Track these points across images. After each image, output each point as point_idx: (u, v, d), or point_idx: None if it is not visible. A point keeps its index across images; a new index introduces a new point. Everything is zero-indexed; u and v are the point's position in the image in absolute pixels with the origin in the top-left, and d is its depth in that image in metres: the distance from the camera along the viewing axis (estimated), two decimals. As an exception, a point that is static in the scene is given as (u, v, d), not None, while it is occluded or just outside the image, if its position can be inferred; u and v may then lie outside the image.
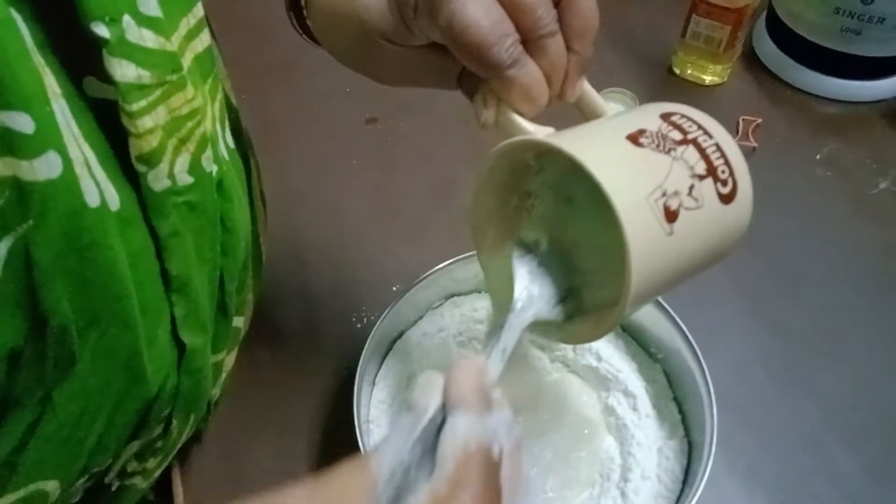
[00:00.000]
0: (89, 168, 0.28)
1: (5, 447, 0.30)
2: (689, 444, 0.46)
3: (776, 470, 0.48)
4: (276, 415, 0.51)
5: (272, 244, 0.59)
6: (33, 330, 0.28)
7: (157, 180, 0.31)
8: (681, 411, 0.47)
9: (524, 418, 0.47)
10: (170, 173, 0.32)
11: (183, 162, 0.32)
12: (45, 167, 0.26)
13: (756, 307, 0.56)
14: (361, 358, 0.45)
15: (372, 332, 0.46)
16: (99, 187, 0.28)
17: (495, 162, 0.34)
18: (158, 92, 0.30)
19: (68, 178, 0.27)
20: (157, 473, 0.42)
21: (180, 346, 0.36)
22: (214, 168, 0.35)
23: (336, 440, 0.49)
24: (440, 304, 0.52)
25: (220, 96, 0.37)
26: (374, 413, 0.47)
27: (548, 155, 0.35)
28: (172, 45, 0.31)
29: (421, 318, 0.51)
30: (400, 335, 0.50)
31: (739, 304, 0.56)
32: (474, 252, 0.48)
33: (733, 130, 0.68)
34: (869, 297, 0.57)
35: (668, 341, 0.48)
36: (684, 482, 0.44)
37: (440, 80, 0.37)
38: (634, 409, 0.47)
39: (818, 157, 0.67)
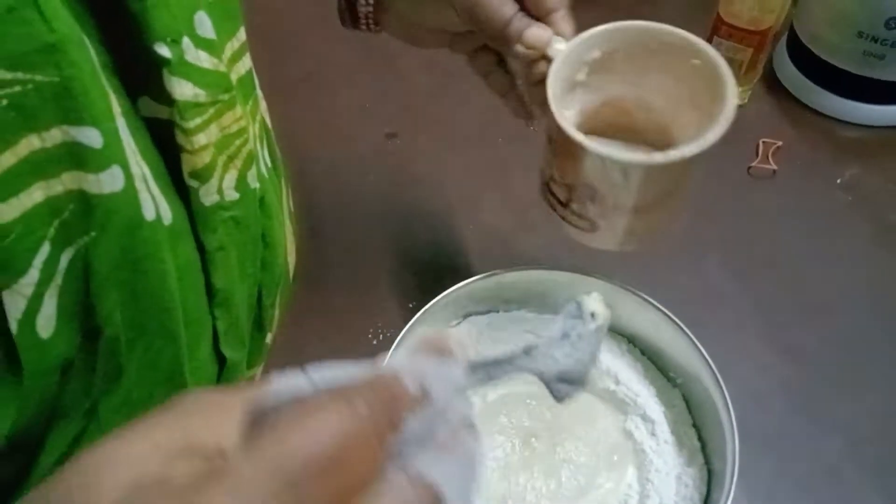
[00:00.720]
0: (146, 183, 0.29)
1: (50, 457, 0.30)
2: (709, 472, 0.45)
3: (796, 501, 0.47)
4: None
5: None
6: (85, 341, 0.29)
7: (208, 195, 0.32)
8: (700, 438, 0.47)
9: (547, 443, 0.47)
10: (219, 189, 0.33)
11: (231, 178, 0.33)
12: (109, 181, 0.27)
13: (776, 333, 0.56)
14: None
15: (390, 351, 0.46)
16: (154, 202, 0.30)
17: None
18: (212, 110, 0.31)
19: (129, 192, 0.28)
20: None
21: (220, 360, 0.36)
22: (257, 185, 0.36)
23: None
24: (457, 323, 0.52)
25: (259, 116, 0.38)
26: (389, 433, 0.46)
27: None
28: (223, 65, 0.32)
29: None
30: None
31: (759, 329, 0.56)
32: (492, 272, 0.48)
33: (754, 153, 0.67)
34: (890, 324, 0.56)
35: (687, 366, 0.47)
36: None
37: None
38: (653, 434, 0.47)
39: (839, 181, 0.66)
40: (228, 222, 0.34)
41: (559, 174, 0.40)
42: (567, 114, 0.39)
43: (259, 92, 0.40)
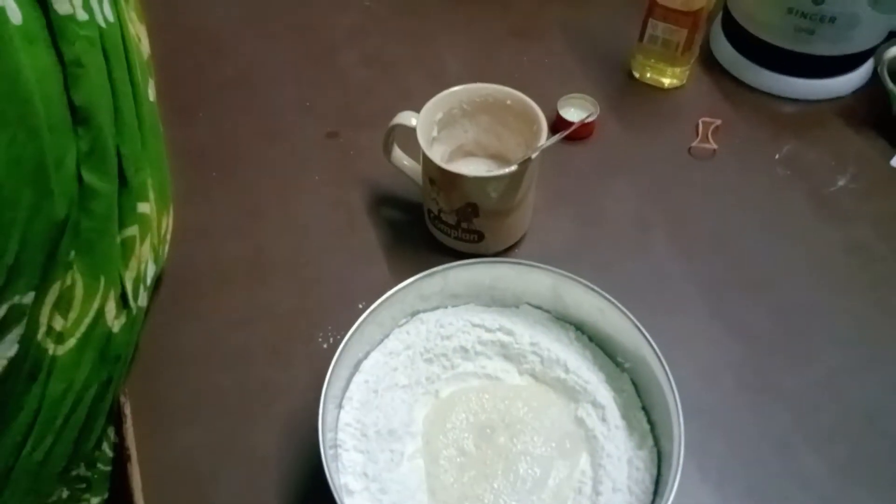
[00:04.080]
0: None
1: None
2: (659, 454, 0.45)
3: (747, 475, 0.48)
4: (242, 443, 0.50)
5: (234, 262, 0.58)
6: None
7: (60, 3, 0.35)
8: (649, 420, 0.47)
9: (503, 435, 0.47)
10: (83, 4, 0.36)
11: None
12: None
13: (720, 311, 0.56)
14: (326, 381, 0.44)
15: (336, 354, 0.45)
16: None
17: None
18: None
19: None
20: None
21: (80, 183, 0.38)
22: (101, 18, 0.39)
23: (304, 469, 0.48)
24: (406, 322, 0.51)
25: None
26: (341, 437, 0.46)
27: None
28: None
29: (387, 336, 0.51)
30: (366, 355, 0.50)
31: (703, 308, 0.57)
32: (438, 268, 0.48)
33: (694, 133, 0.68)
34: (832, 295, 0.58)
35: (633, 350, 0.47)
36: (655, 492, 0.44)
37: None
38: (604, 420, 0.47)
39: (777, 156, 0.67)
40: (83, 41, 0.37)
41: (447, 205, 0.55)
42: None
43: None
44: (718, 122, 0.68)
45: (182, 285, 0.56)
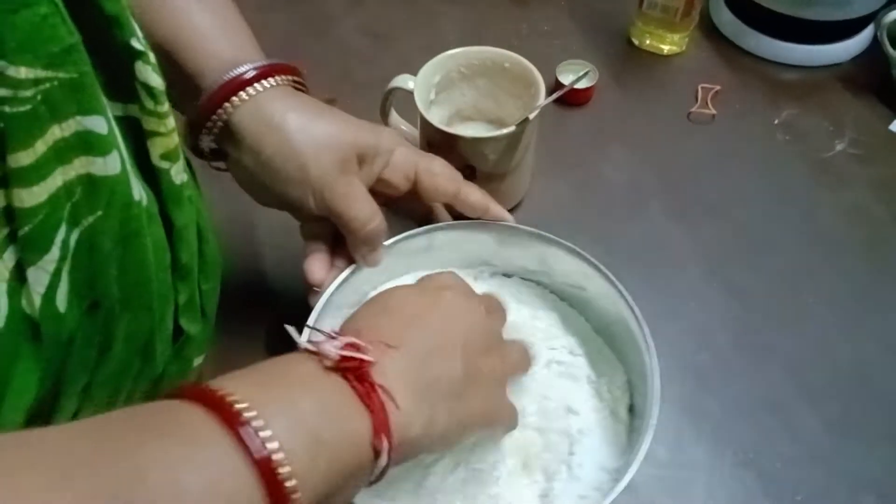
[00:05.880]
0: (131, 168, 0.32)
1: None
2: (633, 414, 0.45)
3: (741, 431, 0.49)
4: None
5: (231, 236, 0.58)
6: (85, 316, 0.32)
7: (178, 174, 0.36)
8: (630, 383, 0.46)
9: None
10: (184, 167, 0.37)
11: (183, 159, 0.37)
12: (112, 164, 0.30)
13: (717, 273, 0.57)
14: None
15: (317, 308, 0.44)
16: (137, 185, 0.33)
17: None
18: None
19: (124, 174, 0.31)
20: None
21: (176, 335, 0.39)
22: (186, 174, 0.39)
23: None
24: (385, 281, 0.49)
25: None
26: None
27: None
28: None
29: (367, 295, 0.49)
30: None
31: (700, 271, 0.57)
32: (426, 227, 0.48)
33: (693, 98, 0.68)
34: (827, 257, 0.58)
35: (614, 314, 0.46)
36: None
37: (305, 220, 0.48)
38: (575, 378, 0.46)
39: (776, 122, 0.67)
40: (186, 201, 0.37)
41: None
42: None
43: None
44: (717, 87, 0.68)
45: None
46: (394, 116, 0.58)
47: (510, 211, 0.59)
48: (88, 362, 0.33)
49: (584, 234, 0.58)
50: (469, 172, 0.54)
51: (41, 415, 0.33)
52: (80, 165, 0.29)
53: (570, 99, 0.67)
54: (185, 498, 0.24)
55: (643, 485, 0.46)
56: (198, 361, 0.43)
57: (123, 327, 0.34)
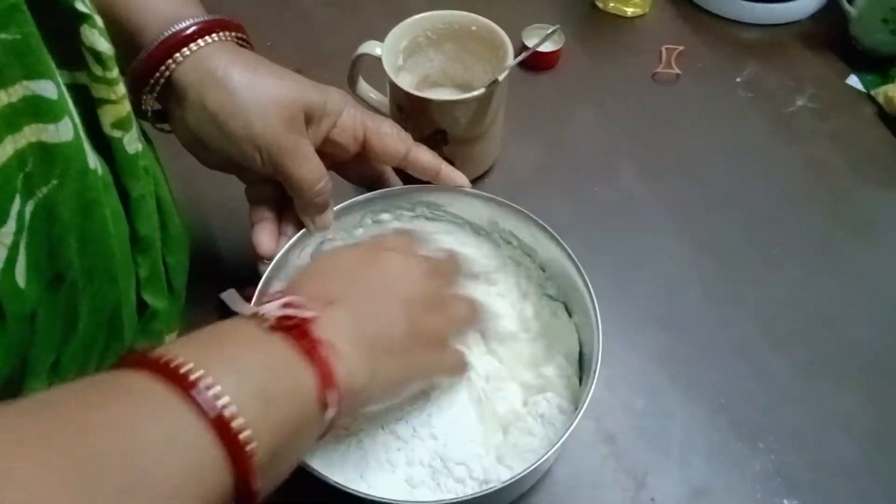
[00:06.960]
0: (84, 135, 0.31)
1: None
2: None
3: (715, 378, 0.50)
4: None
5: (206, 201, 0.58)
6: (47, 290, 0.31)
7: (131, 143, 0.35)
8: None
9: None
10: (139, 136, 0.35)
11: (137, 128, 0.36)
12: (64, 130, 0.29)
13: (686, 229, 0.58)
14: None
15: (276, 257, 0.45)
16: (91, 153, 0.32)
17: None
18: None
19: (77, 141, 0.30)
20: None
21: (140, 309, 0.38)
22: (141, 144, 0.37)
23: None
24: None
25: None
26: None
27: None
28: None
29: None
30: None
31: (670, 227, 0.58)
32: (386, 189, 0.50)
33: (657, 60, 0.69)
34: (792, 209, 0.60)
35: (561, 271, 0.47)
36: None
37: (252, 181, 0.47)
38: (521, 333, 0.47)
39: (739, 79, 0.68)
40: (142, 171, 0.36)
41: (415, 133, 0.50)
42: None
43: None
44: (681, 48, 0.69)
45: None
46: (362, 85, 0.58)
47: (482, 177, 0.60)
48: (54, 338, 0.32)
49: (555, 195, 0.59)
50: (440, 137, 0.54)
51: (10, 396, 0.31)
52: (30, 133, 0.28)
53: (537, 63, 0.67)
54: (141, 458, 0.24)
55: (622, 434, 0.48)
56: (170, 337, 0.42)
57: (88, 301, 0.33)
